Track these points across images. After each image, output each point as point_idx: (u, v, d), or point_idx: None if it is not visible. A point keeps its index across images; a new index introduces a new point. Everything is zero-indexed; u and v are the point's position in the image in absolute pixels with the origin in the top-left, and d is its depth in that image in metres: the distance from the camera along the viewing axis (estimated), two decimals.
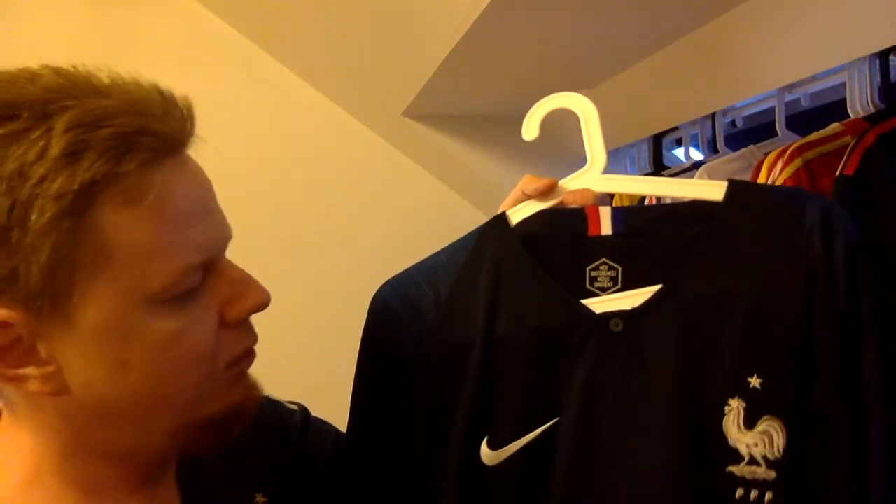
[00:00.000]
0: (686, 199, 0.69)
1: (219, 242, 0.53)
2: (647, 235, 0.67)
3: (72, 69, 0.48)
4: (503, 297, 0.66)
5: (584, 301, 0.65)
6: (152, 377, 0.49)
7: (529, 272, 0.66)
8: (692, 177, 1.24)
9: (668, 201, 1.33)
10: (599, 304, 0.65)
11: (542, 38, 1.26)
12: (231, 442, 0.56)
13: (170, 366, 0.49)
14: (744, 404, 0.61)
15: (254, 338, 0.55)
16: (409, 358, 0.67)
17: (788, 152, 1.02)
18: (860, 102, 1.04)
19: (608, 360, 0.64)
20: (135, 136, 0.46)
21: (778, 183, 1.00)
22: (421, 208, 2.00)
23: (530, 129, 0.72)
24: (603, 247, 0.67)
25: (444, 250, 0.71)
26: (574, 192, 0.68)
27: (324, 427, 0.73)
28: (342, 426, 0.74)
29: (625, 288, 0.66)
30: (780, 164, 1.02)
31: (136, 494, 0.54)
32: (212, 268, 0.51)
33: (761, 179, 1.05)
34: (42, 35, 1.74)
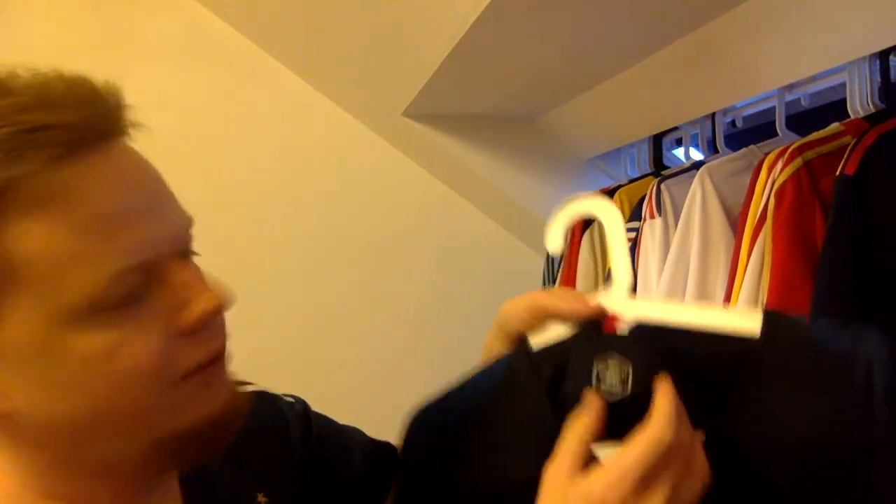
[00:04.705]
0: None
1: (161, 243, 0.46)
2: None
3: None
4: (525, 452, 0.61)
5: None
6: (93, 397, 0.45)
7: (551, 429, 0.59)
8: (692, 177, 1.24)
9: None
10: None
11: (542, 39, 1.26)
12: (221, 452, 0.52)
13: (112, 383, 0.45)
14: None
15: (218, 343, 0.50)
16: (440, 492, 0.65)
17: (788, 152, 1.02)
18: (860, 102, 1.05)
19: None
20: (38, 131, 0.41)
21: (778, 182, 1.00)
22: (421, 208, 2.00)
23: (553, 241, 0.64)
24: (616, 342, 0.58)
25: (473, 380, 0.67)
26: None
27: (325, 418, 0.72)
28: (345, 420, 0.75)
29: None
30: (780, 164, 1.02)
31: (136, 499, 0.52)
32: (156, 271, 0.46)
33: (761, 179, 1.05)
34: (42, 35, 1.74)
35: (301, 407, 0.70)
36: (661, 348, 0.57)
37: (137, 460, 0.49)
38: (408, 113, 1.77)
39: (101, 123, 0.45)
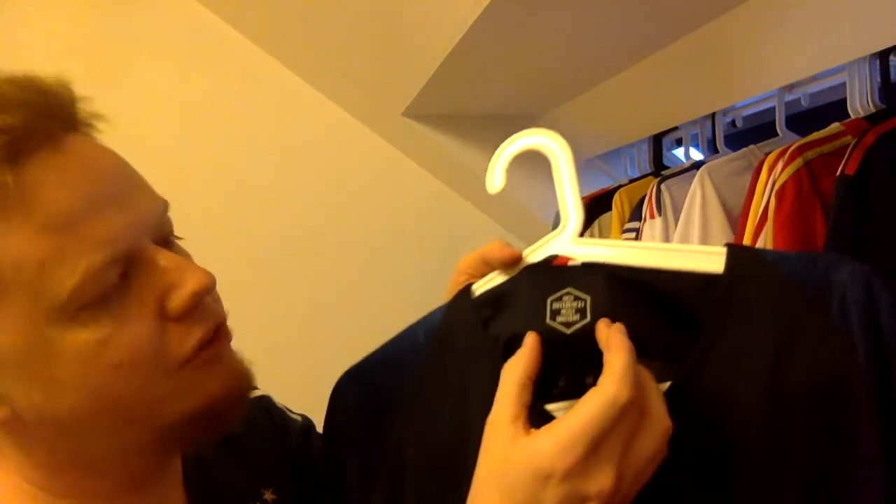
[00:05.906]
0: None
1: (133, 232, 0.45)
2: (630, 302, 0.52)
3: None
4: (471, 401, 0.55)
5: (552, 407, 0.50)
6: (91, 390, 0.45)
7: (496, 372, 0.53)
8: (692, 177, 1.24)
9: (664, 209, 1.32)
10: None
11: (542, 39, 1.26)
12: (231, 432, 0.52)
13: (107, 375, 0.45)
14: None
15: (212, 322, 0.48)
16: (367, 459, 0.59)
17: (789, 152, 1.02)
18: (860, 102, 1.04)
19: None
20: None
21: (779, 182, 1.00)
22: (421, 208, 2.00)
23: (494, 179, 0.59)
24: (570, 275, 0.53)
25: (407, 332, 0.62)
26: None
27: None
28: None
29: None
30: (780, 164, 1.02)
31: (139, 497, 0.53)
32: (135, 260, 0.45)
33: (762, 179, 1.05)
34: (42, 35, 1.73)
35: (304, 423, 0.70)
36: (619, 277, 0.52)
37: (143, 447, 0.49)
38: (408, 113, 1.77)
39: (48, 122, 0.44)
